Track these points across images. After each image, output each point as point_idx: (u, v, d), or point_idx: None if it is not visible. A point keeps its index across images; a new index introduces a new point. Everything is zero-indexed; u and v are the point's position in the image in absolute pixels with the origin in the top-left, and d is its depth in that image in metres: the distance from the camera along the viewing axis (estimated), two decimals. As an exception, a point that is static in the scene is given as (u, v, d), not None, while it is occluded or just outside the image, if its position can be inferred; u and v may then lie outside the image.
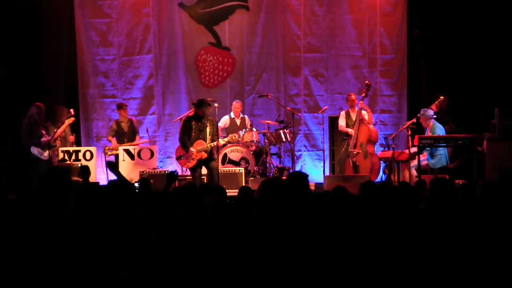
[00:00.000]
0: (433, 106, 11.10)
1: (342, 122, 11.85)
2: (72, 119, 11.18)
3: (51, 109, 11.41)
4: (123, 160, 11.61)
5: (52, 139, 10.74)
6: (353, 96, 11.90)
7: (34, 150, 10.79)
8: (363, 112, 11.66)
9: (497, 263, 4.26)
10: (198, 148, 10.27)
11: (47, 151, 10.67)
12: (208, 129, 10.33)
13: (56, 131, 10.97)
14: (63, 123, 11.17)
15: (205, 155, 10.27)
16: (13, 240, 3.73)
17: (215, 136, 10.36)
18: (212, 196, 5.05)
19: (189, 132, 10.35)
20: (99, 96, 13.14)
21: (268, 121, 12.32)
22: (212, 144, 10.27)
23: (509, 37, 12.19)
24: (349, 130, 11.62)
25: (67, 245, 3.68)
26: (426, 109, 11.02)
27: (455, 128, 11.60)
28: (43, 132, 10.85)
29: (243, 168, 11.30)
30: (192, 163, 10.33)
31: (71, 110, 11.28)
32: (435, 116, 10.96)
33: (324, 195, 5.69)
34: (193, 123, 10.36)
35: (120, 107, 12.15)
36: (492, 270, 4.24)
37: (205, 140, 10.30)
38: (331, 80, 13.31)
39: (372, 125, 11.78)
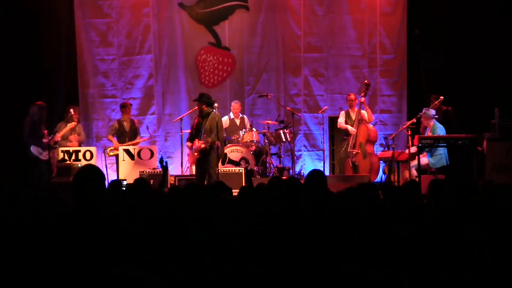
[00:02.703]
0: (433, 106, 11.12)
1: (341, 120, 11.85)
2: (74, 123, 11.29)
3: (64, 109, 11.60)
4: (123, 160, 11.59)
5: (51, 141, 10.74)
6: (352, 96, 11.91)
7: (34, 150, 10.79)
8: (363, 111, 11.67)
9: (496, 262, 4.26)
10: (194, 148, 10.26)
11: (47, 152, 10.67)
12: (204, 127, 10.15)
13: (57, 132, 11.04)
14: (75, 122, 11.41)
15: (197, 155, 10.14)
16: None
17: (211, 133, 9.99)
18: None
19: (191, 130, 10.41)
20: (99, 96, 13.13)
21: (268, 121, 12.32)
22: (201, 145, 9.98)
23: (509, 37, 12.19)
24: (349, 127, 11.61)
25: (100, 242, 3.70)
26: (428, 108, 11.02)
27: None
28: (45, 132, 10.85)
29: (243, 168, 11.29)
30: (191, 160, 10.49)
31: (71, 110, 11.33)
32: (436, 116, 10.97)
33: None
34: (196, 120, 10.37)
35: (124, 106, 12.13)
36: (491, 269, 4.24)
37: (200, 138, 10.15)
38: (331, 80, 13.32)
39: (371, 125, 11.79)
